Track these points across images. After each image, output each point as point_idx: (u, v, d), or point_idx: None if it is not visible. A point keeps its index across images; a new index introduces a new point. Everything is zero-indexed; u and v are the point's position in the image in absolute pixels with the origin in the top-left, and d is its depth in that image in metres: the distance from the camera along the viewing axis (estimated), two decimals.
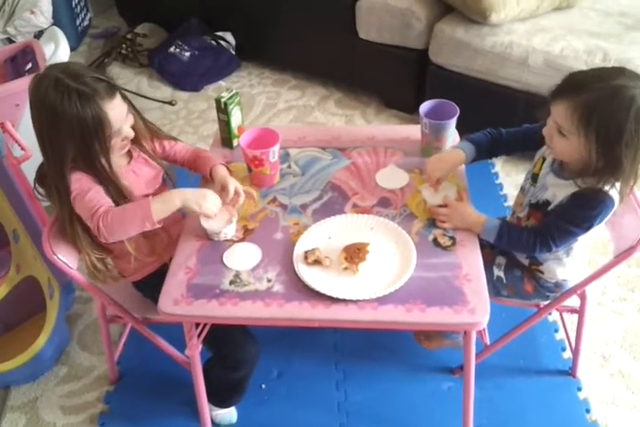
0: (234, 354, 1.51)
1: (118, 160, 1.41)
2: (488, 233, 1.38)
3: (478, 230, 1.38)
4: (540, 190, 1.39)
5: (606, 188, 1.24)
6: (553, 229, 1.32)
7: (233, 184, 1.44)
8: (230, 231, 1.41)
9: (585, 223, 1.29)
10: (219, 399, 1.67)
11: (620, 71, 1.21)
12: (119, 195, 1.35)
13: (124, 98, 1.34)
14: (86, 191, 1.31)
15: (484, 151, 1.50)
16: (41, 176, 1.38)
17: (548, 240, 1.32)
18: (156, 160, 1.49)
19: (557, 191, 1.33)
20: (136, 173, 1.44)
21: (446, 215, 1.40)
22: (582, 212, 1.28)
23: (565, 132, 1.23)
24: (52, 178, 1.33)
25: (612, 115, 1.16)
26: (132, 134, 1.36)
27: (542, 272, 1.47)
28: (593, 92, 1.17)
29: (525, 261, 1.49)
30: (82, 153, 1.29)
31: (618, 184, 1.25)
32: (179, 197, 1.33)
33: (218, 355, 1.54)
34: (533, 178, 1.43)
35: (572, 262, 1.44)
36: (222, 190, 1.43)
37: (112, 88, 1.29)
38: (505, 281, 1.50)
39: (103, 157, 1.31)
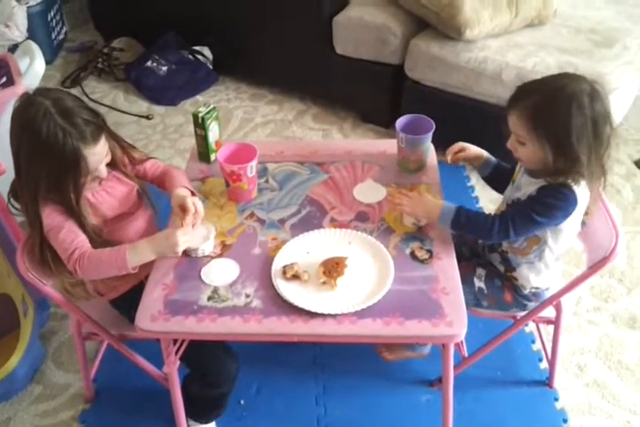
0: (215, 371, 1.50)
1: (89, 183, 1.38)
2: (446, 215, 1.38)
3: (436, 214, 1.39)
4: (515, 191, 1.43)
5: (572, 184, 1.28)
6: (514, 213, 1.35)
7: (190, 202, 1.40)
8: (208, 247, 1.41)
9: (546, 212, 1.31)
10: (199, 414, 1.65)
11: (563, 75, 1.29)
12: (87, 232, 1.35)
13: (108, 134, 1.34)
14: (59, 229, 1.31)
15: (499, 172, 1.54)
16: (15, 190, 1.37)
17: (508, 223, 1.33)
18: (128, 177, 1.47)
19: (527, 188, 1.37)
20: (109, 193, 1.43)
21: (408, 203, 1.42)
22: (544, 200, 1.31)
23: (523, 140, 1.30)
24: (24, 200, 1.32)
25: (554, 114, 1.23)
26: (104, 174, 1.36)
27: (516, 279, 1.49)
28: (534, 96, 1.26)
29: (501, 268, 1.52)
30: (54, 186, 1.29)
31: (583, 182, 1.29)
32: (153, 251, 1.34)
33: (198, 372, 1.52)
34: (512, 184, 1.47)
35: (544, 269, 1.46)
36: (182, 212, 1.40)
37: (99, 131, 1.29)
38: (486, 291, 1.52)
39: (74, 195, 1.31)
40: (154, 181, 1.57)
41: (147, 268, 1.41)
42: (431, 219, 1.42)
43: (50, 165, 1.26)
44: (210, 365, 1.48)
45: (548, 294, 1.51)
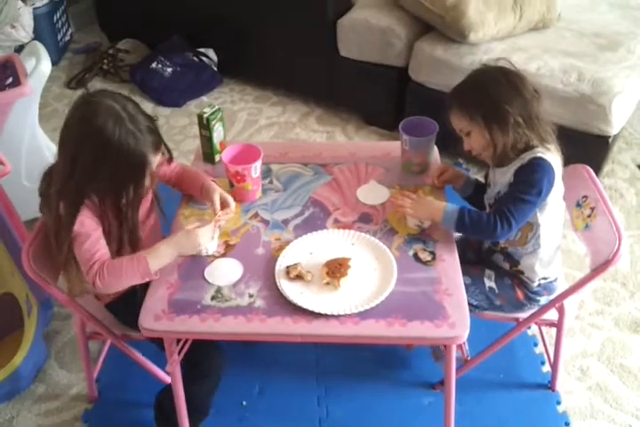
0: (204, 361, 1.47)
1: None
2: (449, 217, 1.39)
3: (439, 216, 1.40)
4: (492, 189, 1.48)
5: (539, 154, 1.36)
6: (508, 202, 1.37)
7: (233, 202, 1.46)
8: (212, 247, 1.41)
9: (533, 188, 1.35)
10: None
11: (471, 71, 1.44)
12: (131, 241, 1.36)
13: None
14: (86, 237, 1.30)
15: (480, 188, 1.57)
16: (45, 189, 1.35)
17: (506, 213, 1.35)
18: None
19: (502, 179, 1.42)
20: None
21: (410, 205, 1.44)
22: (525, 178, 1.36)
23: (466, 129, 1.40)
24: (62, 199, 1.29)
25: (475, 94, 1.37)
26: (149, 183, 1.36)
27: (522, 272, 1.50)
28: (456, 91, 1.42)
29: (506, 265, 1.52)
30: (115, 190, 1.30)
31: (541, 147, 1.37)
32: (175, 253, 1.35)
33: (187, 364, 1.46)
34: (488, 186, 1.52)
35: (546, 257, 1.47)
36: (223, 206, 1.45)
37: (160, 140, 1.31)
38: (497, 291, 1.53)
39: (133, 200, 1.32)
40: (169, 182, 1.57)
41: None
42: (434, 221, 1.43)
43: (116, 169, 1.26)
44: (199, 354, 1.45)
45: (557, 287, 1.53)
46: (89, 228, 1.31)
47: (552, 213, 1.42)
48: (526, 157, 1.37)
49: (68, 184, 1.28)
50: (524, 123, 1.34)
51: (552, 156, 1.38)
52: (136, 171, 1.28)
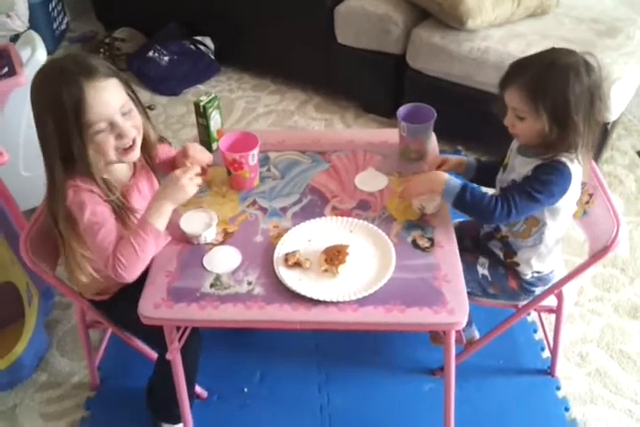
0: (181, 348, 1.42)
1: (119, 171, 1.29)
2: (451, 190, 1.36)
3: (441, 186, 1.37)
4: (509, 173, 1.44)
5: (564, 159, 1.31)
6: (514, 191, 1.34)
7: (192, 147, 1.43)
8: (210, 235, 1.41)
9: (544, 189, 1.31)
10: (165, 411, 1.61)
11: (554, 49, 1.33)
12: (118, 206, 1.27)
13: (131, 93, 1.22)
14: (100, 226, 1.22)
15: (483, 169, 1.55)
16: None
17: (509, 200, 1.32)
18: (156, 174, 1.42)
19: (521, 169, 1.38)
20: (139, 190, 1.35)
21: (412, 179, 1.43)
22: (541, 177, 1.33)
23: (522, 114, 1.32)
24: (50, 182, 1.22)
25: (553, 84, 1.26)
26: (129, 132, 1.21)
27: (517, 264, 1.49)
28: (530, 70, 1.29)
29: (500, 254, 1.52)
30: (65, 147, 1.14)
31: (575, 157, 1.31)
32: (170, 203, 1.28)
33: (165, 351, 1.43)
34: (504, 168, 1.48)
35: (545, 252, 1.46)
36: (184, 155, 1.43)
37: (109, 71, 1.13)
38: (490, 279, 1.52)
39: (81, 152, 1.14)
40: (167, 170, 1.53)
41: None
42: (435, 192, 1.39)
43: (50, 116, 1.10)
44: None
45: (553, 277, 1.52)
46: (101, 217, 1.23)
47: (561, 217, 1.41)
48: (551, 157, 1.32)
49: (44, 159, 1.20)
50: (583, 131, 1.28)
51: (576, 165, 1.33)
52: (67, 107, 1.09)
